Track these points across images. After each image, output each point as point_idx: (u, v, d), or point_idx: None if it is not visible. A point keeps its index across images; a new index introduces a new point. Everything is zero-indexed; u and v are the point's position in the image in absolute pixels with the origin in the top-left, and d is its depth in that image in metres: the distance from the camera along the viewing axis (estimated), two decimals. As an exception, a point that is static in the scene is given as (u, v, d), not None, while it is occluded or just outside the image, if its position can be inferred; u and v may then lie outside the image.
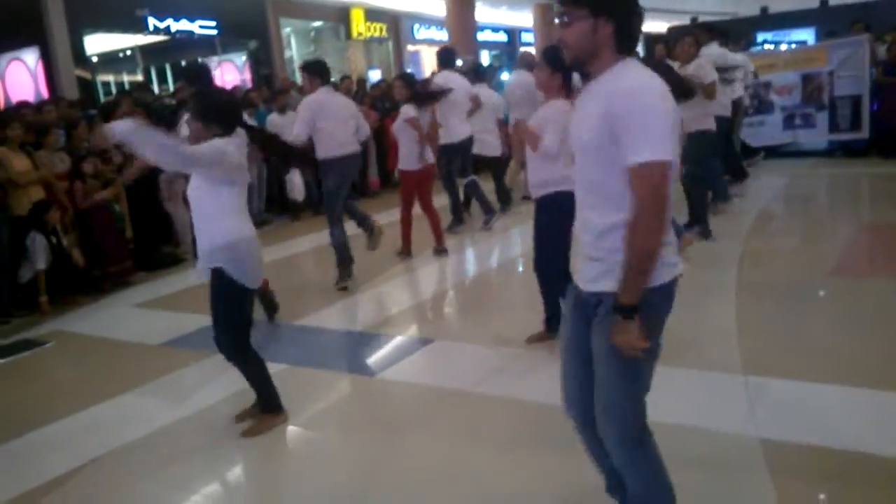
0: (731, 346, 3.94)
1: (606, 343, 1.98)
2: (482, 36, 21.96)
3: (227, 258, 3.26)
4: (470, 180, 7.57)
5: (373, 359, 4.46)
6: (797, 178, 9.10)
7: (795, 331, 4.12)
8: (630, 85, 1.91)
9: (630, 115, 1.86)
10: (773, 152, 10.09)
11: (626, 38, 1.96)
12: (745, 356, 3.77)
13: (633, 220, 1.89)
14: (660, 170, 1.85)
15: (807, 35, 12.50)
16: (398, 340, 4.65)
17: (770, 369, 3.57)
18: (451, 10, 17.13)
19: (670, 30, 14.06)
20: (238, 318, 3.40)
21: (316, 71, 5.71)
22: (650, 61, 6.27)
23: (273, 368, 3.63)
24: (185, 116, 4.88)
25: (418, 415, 3.58)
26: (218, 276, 3.31)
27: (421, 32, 21.41)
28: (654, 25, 27.10)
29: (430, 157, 6.49)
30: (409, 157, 6.38)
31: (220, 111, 3.35)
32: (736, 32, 10.46)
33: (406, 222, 6.56)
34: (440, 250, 6.59)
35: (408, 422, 3.51)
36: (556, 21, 2.05)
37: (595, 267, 2.03)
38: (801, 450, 2.86)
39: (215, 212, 3.27)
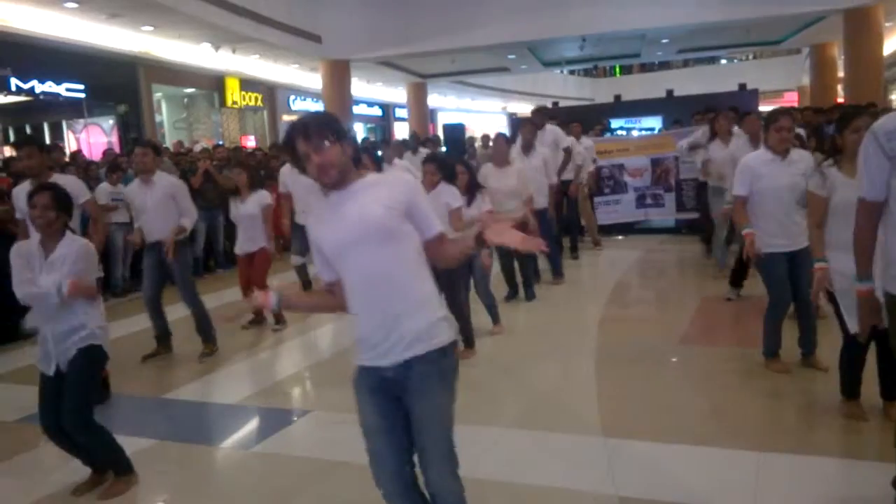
0: (593, 409, 4.22)
1: (436, 398, 2.27)
2: (357, 109, 22.46)
3: (103, 335, 3.46)
4: None
5: (247, 431, 4.40)
6: (649, 252, 9.89)
7: (650, 394, 4.47)
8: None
9: None
10: (629, 229, 10.97)
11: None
12: (604, 419, 4.05)
13: None
14: None
15: (655, 122, 13.73)
16: (274, 412, 4.62)
17: (628, 431, 3.86)
18: (327, 83, 17.49)
19: (534, 112, 15.02)
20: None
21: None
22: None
23: (142, 444, 3.54)
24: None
25: (297, 488, 3.57)
26: (94, 352, 3.41)
27: (297, 103, 21.62)
28: (520, 107, 28.79)
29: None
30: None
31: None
32: (592, 118, 11.38)
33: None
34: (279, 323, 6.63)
35: (286, 497, 3.49)
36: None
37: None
38: (655, 506, 3.11)
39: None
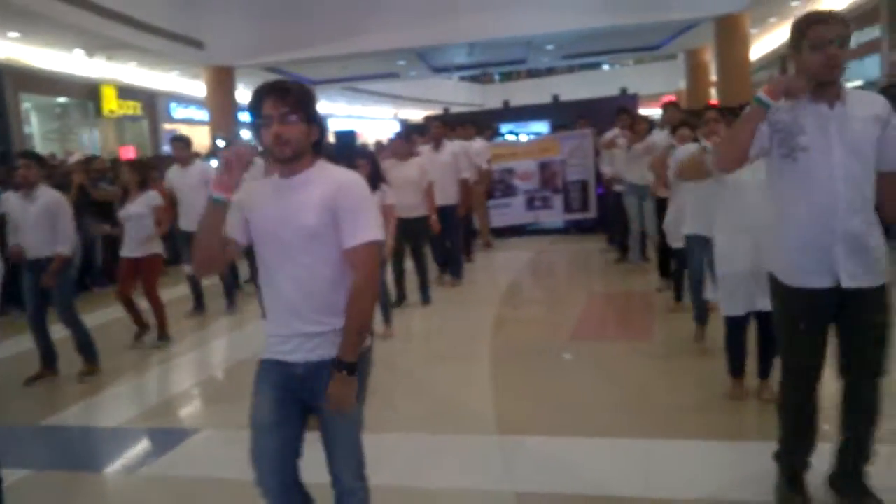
0: (490, 408, 4.25)
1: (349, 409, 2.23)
2: (245, 116, 21.88)
3: None
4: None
5: (134, 454, 4.17)
6: (540, 252, 10.14)
7: (544, 390, 4.56)
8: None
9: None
10: (520, 230, 11.21)
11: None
12: (501, 417, 4.09)
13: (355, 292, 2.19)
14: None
15: (542, 127, 14.08)
16: (162, 432, 4.40)
17: (525, 428, 3.92)
18: (211, 90, 16.97)
19: (426, 118, 15.14)
20: None
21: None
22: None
23: (20, 475, 3.28)
24: None
25: (185, 509, 3.41)
26: None
27: (179, 111, 20.85)
28: (412, 114, 28.92)
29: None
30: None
31: None
32: (483, 123, 11.56)
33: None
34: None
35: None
36: None
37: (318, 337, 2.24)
38: (554, 499, 3.17)
39: None
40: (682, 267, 5.69)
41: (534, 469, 3.46)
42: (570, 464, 3.49)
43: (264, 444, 2.28)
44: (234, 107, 17.37)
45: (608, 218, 9.57)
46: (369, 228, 2.18)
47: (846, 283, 2.63)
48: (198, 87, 17.95)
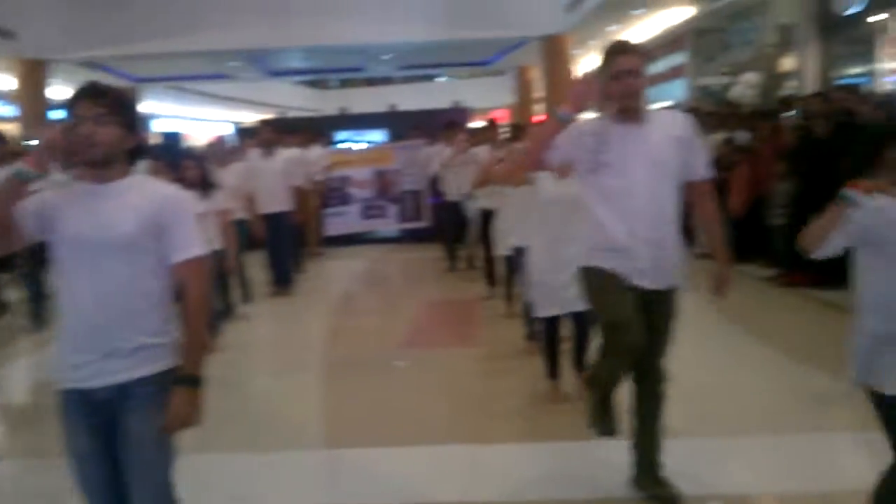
0: (317, 423, 4.20)
1: (152, 425, 2.11)
2: (59, 114, 20.23)
3: None
4: None
5: None
6: (375, 262, 10.19)
7: (373, 401, 4.56)
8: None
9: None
10: (356, 239, 11.19)
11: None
12: (327, 431, 4.06)
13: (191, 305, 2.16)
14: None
15: (379, 136, 14.14)
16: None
17: (350, 440, 3.91)
18: (21, 84, 15.53)
19: (261, 122, 14.73)
20: None
21: None
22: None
23: None
24: None
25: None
26: None
27: (-20, 106, 18.86)
28: (246, 116, 28.02)
29: None
30: None
31: None
32: (319, 129, 11.45)
33: None
34: None
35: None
36: None
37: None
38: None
39: None
40: (512, 273, 5.93)
41: (359, 482, 3.46)
42: (395, 474, 3.53)
43: (89, 472, 2.14)
44: (45, 103, 15.98)
45: (442, 227, 9.79)
46: (198, 242, 2.19)
47: (646, 285, 2.87)
48: (7, 81, 16.34)
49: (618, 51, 2.86)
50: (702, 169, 2.99)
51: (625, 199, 2.85)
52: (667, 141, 2.90)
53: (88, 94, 2.06)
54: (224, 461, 3.72)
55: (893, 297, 2.24)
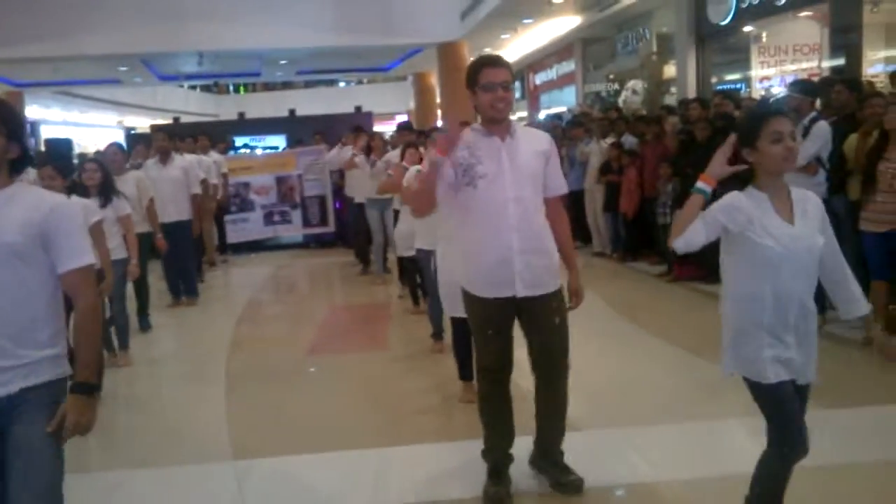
0: (222, 433, 4.16)
1: (43, 430, 2.08)
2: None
3: None
4: None
5: None
6: (281, 268, 10.10)
7: (279, 409, 4.56)
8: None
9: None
10: (258, 245, 11.06)
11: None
12: (234, 442, 4.03)
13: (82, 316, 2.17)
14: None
15: (279, 141, 13.98)
16: None
17: (258, 450, 3.88)
18: None
19: (152, 127, 14.28)
20: None
21: None
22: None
23: None
24: None
25: None
26: None
27: None
28: (138, 121, 26.98)
29: None
30: None
31: None
32: (217, 134, 11.22)
33: None
34: None
35: None
36: None
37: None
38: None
39: None
40: (416, 273, 6.02)
41: (266, 492, 3.48)
42: (303, 482, 3.55)
43: None
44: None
45: (348, 232, 9.80)
46: (86, 252, 2.20)
47: (521, 292, 3.01)
48: None
49: (486, 63, 2.99)
50: (560, 185, 3.16)
51: (499, 208, 2.95)
52: (533, 154, 3.04)
53: None
54: (119, 479, 3.65)
55: (751, 288, 2.41)
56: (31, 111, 22.06)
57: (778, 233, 2.35)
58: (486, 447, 3.25)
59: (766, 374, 2.38)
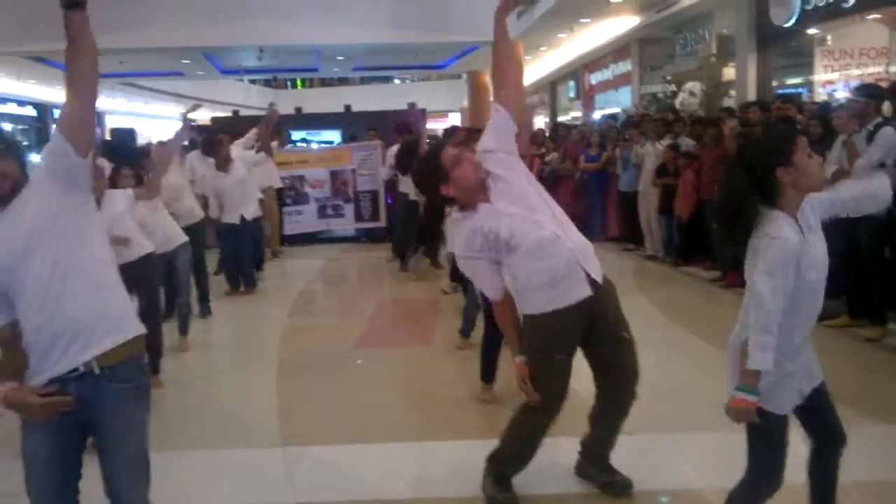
0: (273, 421, 4.27)
1: (134, 410, 2.28)
2: (5, 108, 19.79)
3: None
4: None
5: None
6: (331, 261, 10.25)
7: (327, 399, 4.66)
8: None
9: None
10: (312, 238, 11.26)
11: None
12: (284, 429, 4.13)
13: None
14: None
15: (334, 136, 14.17)
16: None
17: (307, 438, 3.99)
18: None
19: (213, 120, 14.64)
20: None
21: None
22: None
23: None
24: None
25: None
26: None
27: None
28: (200, 115, 27.62)
29: None
30: None
31: None
32: (274, 128, 11.40)
33: None
34: None
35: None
36: None
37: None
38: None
39: None
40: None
41: (314, 479, 3.55)
42: (349, 471, 3.62)
43: (45, 485, 2.22)
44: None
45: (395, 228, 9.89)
46: None
47: (596, 276, 2.94)
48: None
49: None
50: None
51: (546, 241, 2.90)
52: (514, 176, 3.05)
53: None
54: (180, 457, 3.76)
55: (788, 318, 2.23)
56: (98, 101, 22.76)
57: (814, 260, 2.24)
58: (505, 462, 3.17)
59: (784, 406, 2.33)
